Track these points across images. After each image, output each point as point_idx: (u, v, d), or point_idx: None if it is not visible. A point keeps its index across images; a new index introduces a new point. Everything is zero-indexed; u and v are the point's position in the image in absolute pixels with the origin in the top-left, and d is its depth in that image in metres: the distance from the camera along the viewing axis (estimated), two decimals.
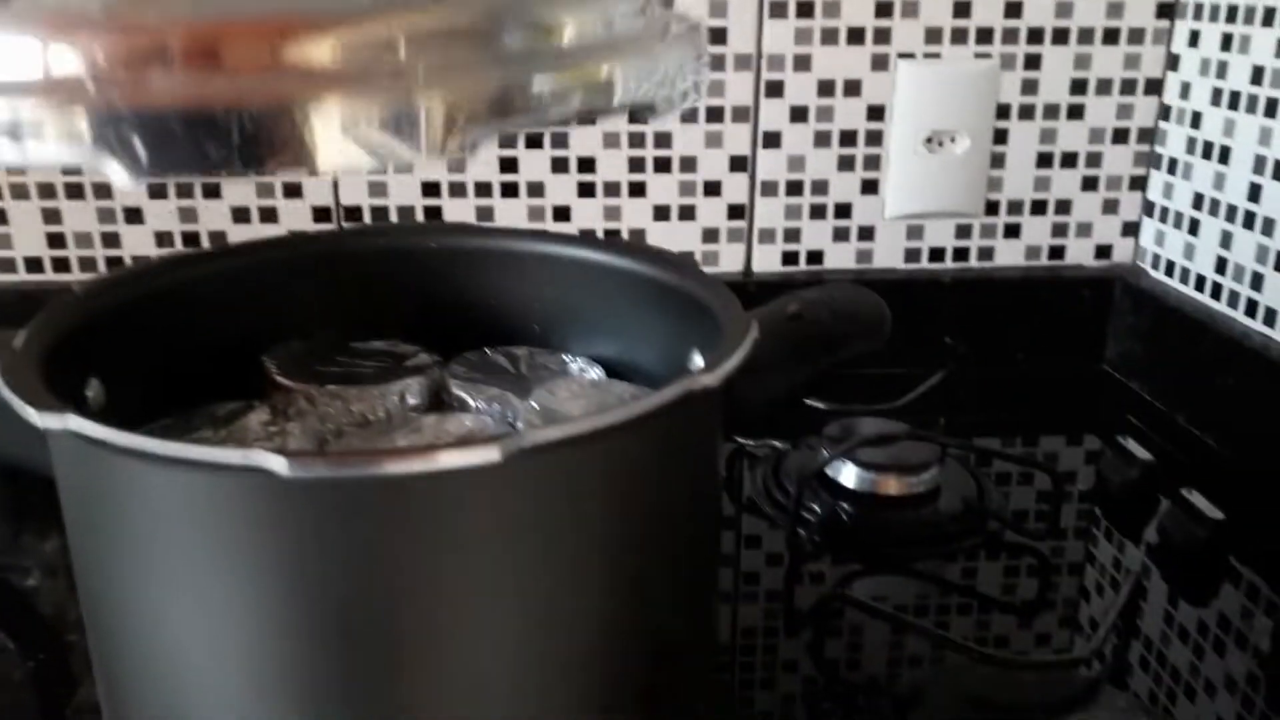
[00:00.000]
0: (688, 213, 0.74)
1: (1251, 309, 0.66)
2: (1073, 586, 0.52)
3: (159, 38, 0.24)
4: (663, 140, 0.72)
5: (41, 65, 0.24)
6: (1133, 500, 0.60)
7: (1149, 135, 0.75)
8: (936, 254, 0.77)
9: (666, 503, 0.30)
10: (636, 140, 0.72)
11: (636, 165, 0.73)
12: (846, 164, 0.74)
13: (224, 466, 0.24)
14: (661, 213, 0.74)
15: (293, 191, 0.71)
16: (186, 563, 0.26)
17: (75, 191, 0.69)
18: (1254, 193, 0.66)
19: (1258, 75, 0.65)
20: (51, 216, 0.70)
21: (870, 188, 0.75)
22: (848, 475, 0.58)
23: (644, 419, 0.27)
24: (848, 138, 0.73)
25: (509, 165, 0.72)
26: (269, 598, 0.26)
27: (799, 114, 0.73)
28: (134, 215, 0.70)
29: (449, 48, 0.26)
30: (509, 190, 0.72)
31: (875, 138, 0.73)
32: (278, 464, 0.24)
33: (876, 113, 0.73)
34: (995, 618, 0.50)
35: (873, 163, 0.74)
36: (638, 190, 0.73)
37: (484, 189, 0.72)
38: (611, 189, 0.73)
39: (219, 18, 0.24)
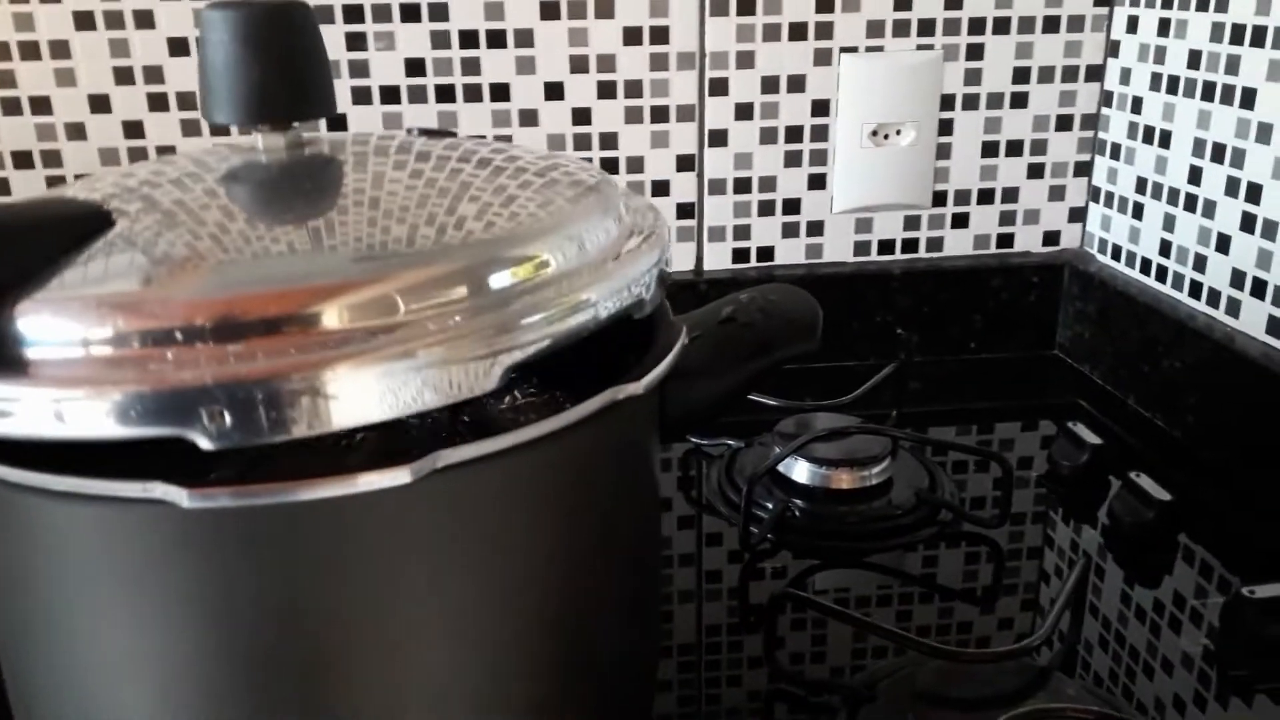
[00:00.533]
0: None
1: (1196, 290, 0.67)
2: (1025, 573, 0.52)
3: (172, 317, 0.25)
4: (609, 141, 0.72)
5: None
6: (1084, 484, 0.60)
7: (1092, 121, 0.76)
8: (886, 246, 0.77)
9: (598, 512, 0.30)
10: (582, 142, 0.72)
11: None
12: (793, 160, 0.74)
13: (123, 500, 0.24)
14: None
15: None
16: (97, 597, 0.26)
17: (12, 107, 0.67)
18: (1194, 176, 0.66)
19: (1195, 59, 0.65)
20: None
21: (818, 183, 0.75)
22: (800, 471, 0.58)
23: (566, 430, 0.26)
24: (793, 133, 0.73)
25: None
26: (182, 629, 0.25)
27: (744, 111, 0.72)
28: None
29: (441, 297, 0.27)
30: None
31: (821, 132, 0.73)
32: (177, 495, 0.23)
33: (821, 107, 0.73)
34: (948, 608, 0.50)
35: (819, 157, 0.74)
36: None
37: None
38: None
39: (222, 294, 0.25)
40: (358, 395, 0.24)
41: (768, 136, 0.73)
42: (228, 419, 0.23)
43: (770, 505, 0.56)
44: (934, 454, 0.63)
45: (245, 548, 0.25)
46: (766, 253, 0.76)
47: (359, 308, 0.25)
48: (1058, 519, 0.58)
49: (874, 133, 0.74)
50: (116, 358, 0.24)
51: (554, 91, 0.70)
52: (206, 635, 0.26)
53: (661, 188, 0.74)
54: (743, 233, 0.75)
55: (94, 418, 0.24)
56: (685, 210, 0.74)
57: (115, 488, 0.24)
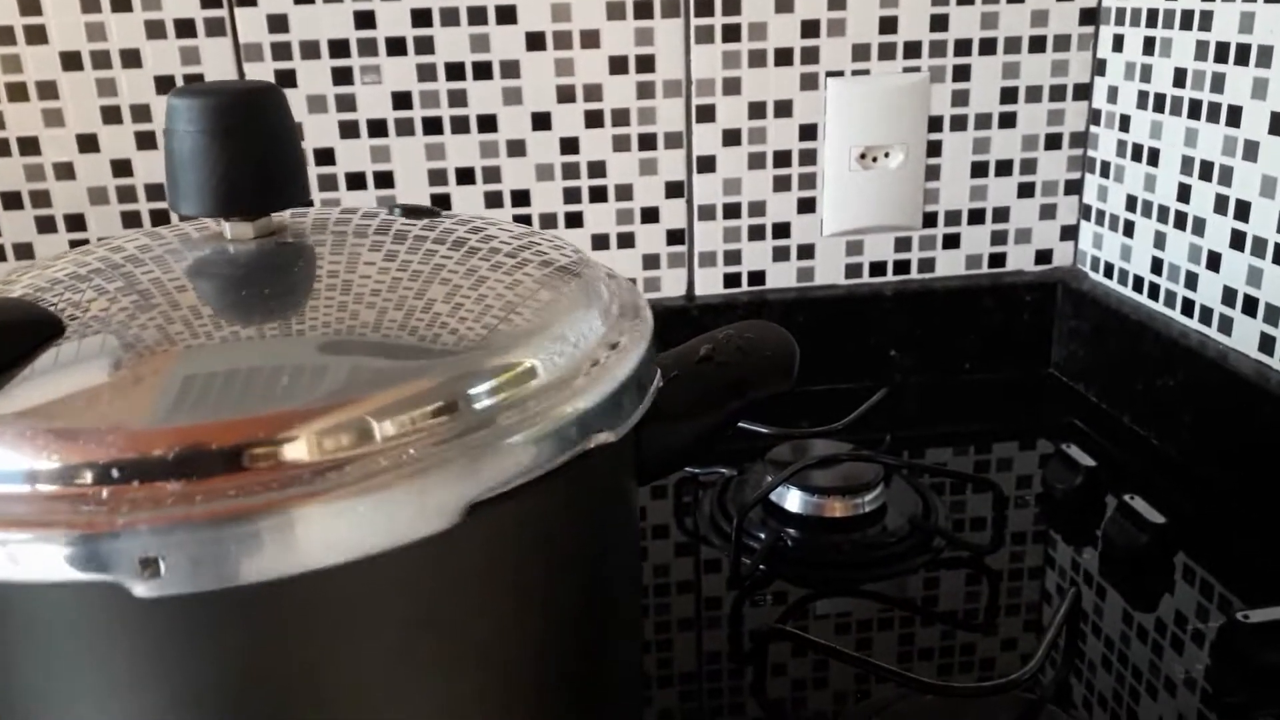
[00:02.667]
0: (627, 240, 0.74)
1: (1188, 308, 0.66)
2: (1022, 598, 0.52)
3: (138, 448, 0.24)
4: (597, 170, 0.72)
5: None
6: (1078, 506, 0.60)
7: (1081, 139, 0.76)
8: (877, 268, 0.77)
9: (573, 562, 0.29)
10: (571, 171, 0.72)
11: (572, 196, 0.72)
12: (782, 184, 0.74)
13: (73, 585, 0.23)
14: (600, 241, 0.74)
15: None
16: (57, 680, 0.25)
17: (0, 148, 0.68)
18: (1184, 193, 0.66)
19: (1180, 78, 0.65)
20: None
21: (807, 206, 0.75)
22: (792, 500, 0.58)
23: (536, 482, 0.26)
24: (782, 158, 0.73)
25: (442, 201, 0.71)
26: (144, 714, 0.25)
27: (731, 137, 0.72)
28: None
29: (420, 419, 0.26)
30: None
31: (809, 156, 0.73)
32: (130, 582, 0.22)
33: (809, 132, 0.73)
34: (941, 639, 0.49)
35: (808, 181, 0.74)
36: (575, 220, 0.73)
37: None
38: (548, 221, 0.73)
39: (186, 423, 0.24)
40: (307, 539, 0.24)
41: (756, 161, 0.73)
42: (162, 568, 0.22)
43: (763, 535, 0.56)
44: (923, 479, 0.63)
45: (207, 630, 0.24)
46: (758, 277, 0.76)
47: (318, 438, 0.24)
48: (1053, 542, 0.57)
49: (862, 155, 0.74)
50: (34, 495, 0.23)
51: (541, 121, 0.71)
52: (171, 712, 0.25)
53: (651, 214, 0.74)
54: (733, 258, 0.75)
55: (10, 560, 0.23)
56: (675, 236, 0.74)
57: (66, 573, 0.23)
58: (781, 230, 0.75)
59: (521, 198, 0.72)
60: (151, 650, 0.24)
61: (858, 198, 0.74)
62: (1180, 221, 0.67)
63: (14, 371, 0.26)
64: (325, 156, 0.69)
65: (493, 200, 0.72)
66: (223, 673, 0.25)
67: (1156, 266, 0.69)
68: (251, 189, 0.31)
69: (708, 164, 0.73)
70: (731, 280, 0.76)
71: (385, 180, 0.70)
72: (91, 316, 0.28)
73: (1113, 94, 0.73)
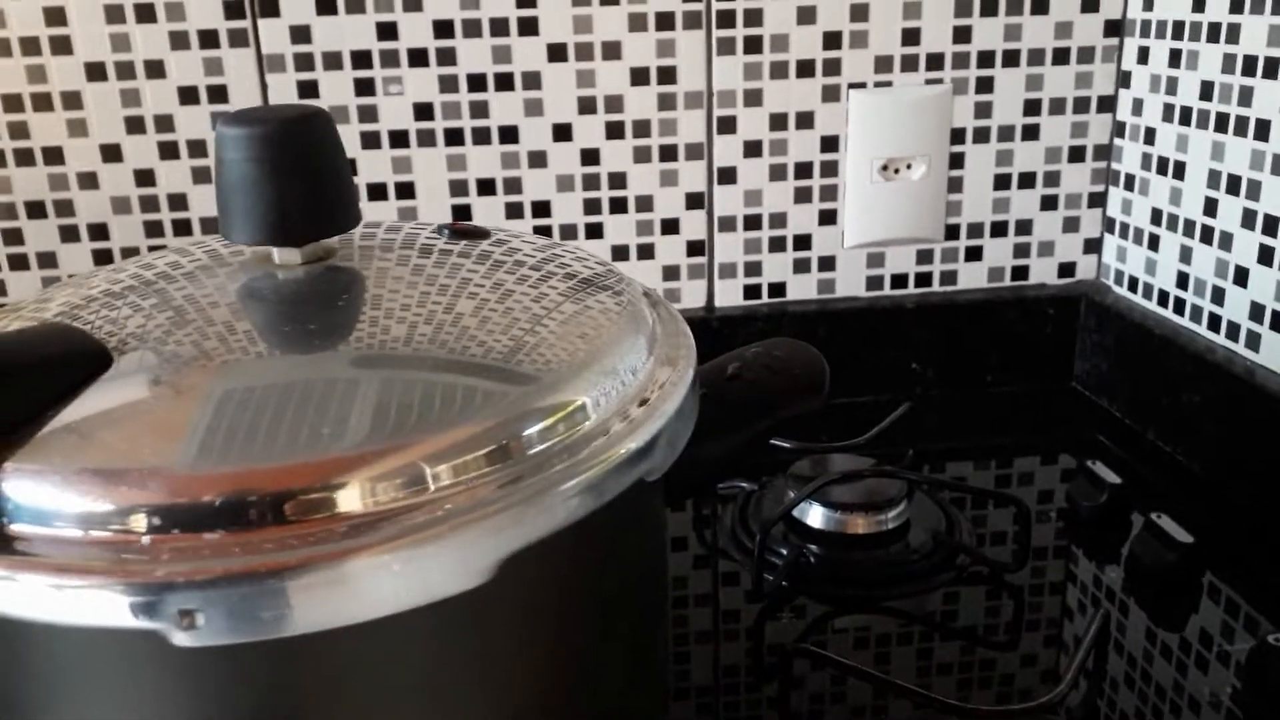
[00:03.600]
0: (647, 251, 0.74)
1: (1214, 323, 0.66)
2: (1046, 617, 0.51)
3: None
4: (617, 181, 0.72)
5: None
6: (1104, 524, 0.59)
7: (1105, 152, 0.75)
8: (899, 280, 0.76)
9: (608, 596, 0.29)
10: (591, 182, 0.72)
11: (592, 207, 0.72)
12: (803, 196, 0.74)
13: (112, 631, 0.23)
14: (620, 253, 0.74)
15: None
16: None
17: (20, 263, 0.68)
18: (1210, 207, 0.65)
19: (1207, 91, 0.65)
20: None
21: (828, 218, 0.74)
22: (814, 516, 0.57)
23: (578, 526, 0.25)
24: (803, 170, 0.73)
25: (463, 213, 0.71)
26: None
27: (753, 149, 0.72)
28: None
29: (472, 464, 0.25)
30: None
31: (831, 168, 0.73)
32: (170, 630, 0.22)
33: (830, 143, 0.73)
34: (963, 657, 0.49)
35: (829, 193, 0.74)
36: (595, 231, 0.73)
37: None
38: (569, 232, 0.73)
39: (231, 469, 0.24)
40: (347, 594, 0.23)
41: (777, 173, 0.73)
42: (199, 620, 0.22)
43: (785, 551, 0.55)
44: (947, 495, 0.62)
45: (245, 682, 0.24)
46: (778, 289, 0.76)
47: (364, 488, 0.24)
48: (1078, 560, 0.57)
49: (884, 167, 0.73)
50: (73, 540, 0.23)
51: (562, 133, 0.70)
52: None
53: (671, 226, 0.73)
54: (754, 269, 0.75)
55: (38, 602, 0.23)
56: (695, 248, 0.74)
57: (104, 618, 0.23)
58: (802, 242, 0.75)
59: (542, 209, 0.72)
60: (184, 697, 0.24)
61: (879, 210, 0.74)
62: (1207, 236, 0.66)
63: (63, 404, 0.25)
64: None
65: (513, 211, 0.72)
66: None
67: (1182, 281, 0.69)
68: (301, 216, 0.31)
69: (729, 175, 0.73)
70: (752, 292, 0.76)
71: (406, 191, 0.70)
72: (136, 346, 0.28)
73: (1138, 106, 0.72)
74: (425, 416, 0.26)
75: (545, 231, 0.72)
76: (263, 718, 0.25)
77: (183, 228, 0.69)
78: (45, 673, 0.26)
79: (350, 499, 0.24)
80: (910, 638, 0.50)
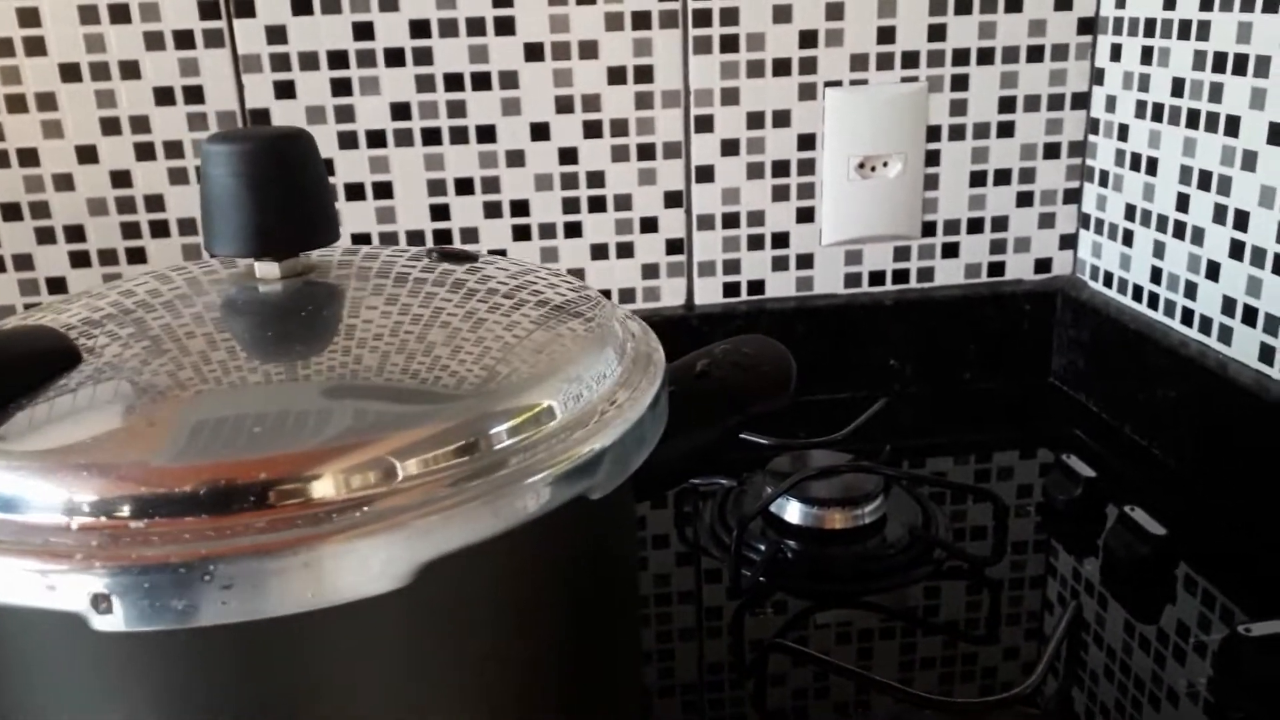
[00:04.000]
0: (626, 250, 0.74)
1: (1188, 317, 0.66)
2: (1023, 610, 0.52)
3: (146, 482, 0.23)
4: (595, 180, 0.72)
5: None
6: (1079, 517, 0.60)
7: (1080, 149, 0.76)
8: (876, 277, 0.77)
9: (574, 587, 0.29)
10: (569, 181, 0.72)
11: (571, 206, 0.72)
12: (781, 194, 0.74)
13: (36, 612, 0.23)
14: (600, 251, 0.74)
15: None
16: (26, 707, 0.25)
17: None
18: (1183, 203, 0.66)
19: (1179, 87, 0.65)
20: None
21: (806, 216, 0.75)
22: (792, 512, 0.58)
23: (524, 529, 0.26)
24: (780, 168, 0.73)
25: (441, 212, 0.71)
26: None
27: (730, 147, 0.72)
28: (58, 285, 0.69)
29: (440, 459, 0.25)
30: (442, 238, 0.71)
31: (808, 166, 0.73)
32: (86, 612, 0.22)
33: (807, 141, 0.73)
34: (942, 651, 0.49)
35: (807, 191, 0.74)
36: (574, 230, 0.73)
37: (416, 238, 0.71)
38: (547, 231, 0.73)
39: (207, 460, 0.24)
40: (258, 589, 0.23)
41: (755, 171, 0.73)
42: (115, 604, 0.22)
43: (763, 546, 0.56)
44: (923, 490, 0.63)
45: (159, 671, 0.24)
46: (757, 286, 0.76)
47: (353, 475, 0.24)
48: (1054, 553, 0.57)
49: (861, 165, 0.74)
50: (19, 526, 0.23)
51: (540, 132, 0.71)
52: None
53: (650, 224, 0.74)
54: (733, 267, 0.75)
55: None
56: (674, 246, 0.74)
57: (21, 595, 0.23)
58: (780, 240, 0.75)
59: (520, 208, 0.72)
60: (103, 683, 0.24)
61: (856, 207, 0.74)
62: (1179, 231, 0.67)
63: (25, 398, 0.26)
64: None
65: (492, 210, 0.72)
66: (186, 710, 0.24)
67: (1156, 276, 0.69)
68: (282, 232, 0.32)
69: (706, 174, 0.73)
70: (731, 290, 0.76)
71: (384, 191, 0.70)
72: (110, 346, 0.28)
73: (1111, 103, 0.73)
74: (383, 415, 0.26)
75: (524, 232, 0.73)
76: (177, 709, 0.25)
77: (160, 229, 0.69)
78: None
79: (276, 495, 0.24)
80: (890, 632, 0.51)
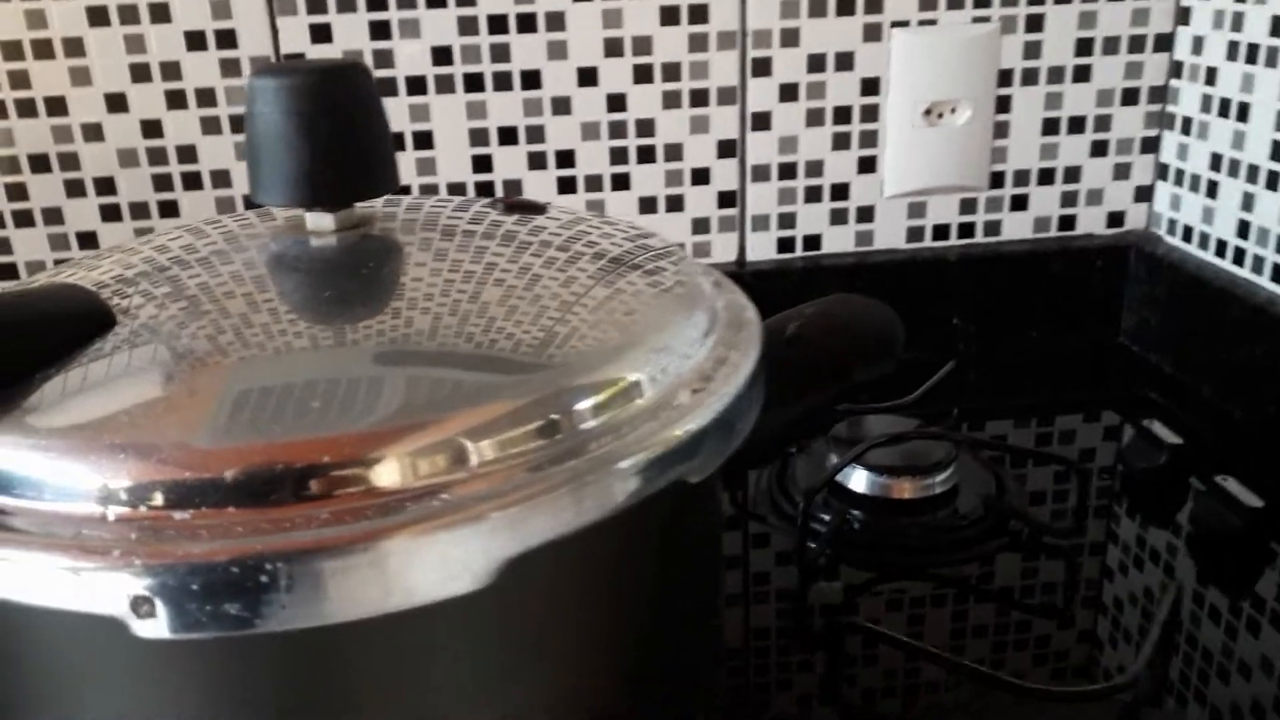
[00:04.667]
0: (675, 203, 0.70)
1: (1277, 274, 0.62)
2: (1105, 592, 0.49)
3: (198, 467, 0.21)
4: (645, 128, 0.68)
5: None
6: (1162, 488, 0.56)
7: (1160, 94, 0.71)
8: (940, 231, 0.73)
9: (662, 579, 0.26)
10: (617, 130, 0.68)
11: (619, 156, 0.69)
12: (841, 142, 0.70)
13: (74, 616, 0.20)
14: (648, 204, 0.70)
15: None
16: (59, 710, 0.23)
17: (25, 219, 0.65)
18: (1277, 151, 0.62)
19: (1277, 26, 0.61)
20: (2, 246, 0.66)
21: (868, 166, 0.71)
22: (857, 480, 0.55)
23: (614, 519, 0.23)
24: (842, 114, 0.69)
25: (483, 164, 0.68)
26: None
27: (789, 92, 0.68)
28: (88, 240, 0.67)
29: (517, 442, 0.22)
30: (484, 190, 0.68)
31: (871, 113, 0.69)
32: (128, 616, 0.19)
33: (871, 86, 0.69)
34: (1022, 633, 0.46)
35: (869, 139, 0.70)
36: (621, 183, 0.70)
37: (457, 191, 0.68)
38: (594, 183, 0.69)
39: (260, 441, 0.21)
40: (320, 592, 0.20)
41: (814, 118, 0.69)
42: (158, 608, 0.19)
43: (827, 517, 0.53)
44: (996, 458, 0.59)
45: (216, 681, 0.22)
46: (813, 241, 0.72)
47: (422, 460, 0.21)
48: (1136, 525, 0.54)
49: (927, 111, 0.69)
50: (43, 514, 0.21)
51: (587, 77, 0.67)
52: None
53: (701, 175, 0.70)
54: (788, 221, 0.72)
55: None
56: (726, 199, 0.71)
57: (64, 598, 0.20)
58: (840, 191, 0.71)
59: (566, 158, 0.69)
60: (147, 696, 0.22)
61: (921, 157, 0.70)
62: (1272, 182, 0.62)
63: (58, 364, 0.23)
64: None
65: (536, 161, 0.68)
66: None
67: (1243, 230, 0.65)
68: (338, 180, 0.28)
69: (763, 121, 0.69)
70: (785, 245, 0.72)
71: (424, 141, 0.67)
72: (148, 308, 0.25)
73: (1198, 44, 0.68)
74: (458, 390, 0.23)
75: (569, 184, 0.69)
76: None
77: (192, 181, 0.66)
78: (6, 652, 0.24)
79: (341, 481, 0.21)
80: (964, 612, 0.48)
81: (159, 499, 0.20)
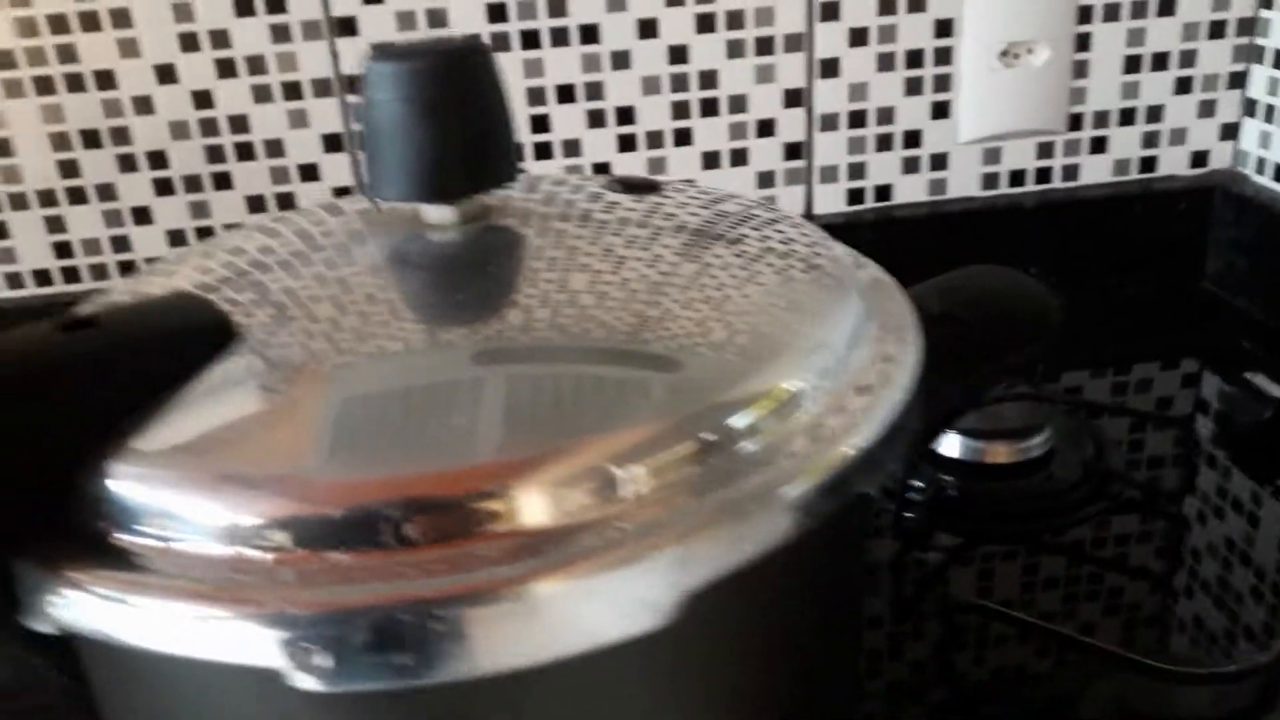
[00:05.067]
0: (740, 157, 0.68)
1: None
2: (1222, 562, 0.47)
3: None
4: (709, 80, 0.66)
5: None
6: (1267, 443, 0.54)
7: (1249, 26, 0.68)
8: (1017, 177, 0.70)
9: (817, 604, 0.25)
10: (679, 83, 0.65)
11: (680, 110, 0.66)
12: (914, 87, 0.67)
13: (226, 667, 0.19)
14: (711, 160, 0.68)
15: (309, 175, 0.65)
16: None
17: (78, 196, 0.64)
18: None
19: None
20: (55, 224, 0.64)
21: (941, 111, 0.68)
22: (950, 445, 0.53)
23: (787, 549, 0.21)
24: (914, 58, 0.66)
25: (540, 124, 0.65)
26: None
27: (858, 37, 0.65)
28: (142, 215, 0.65)
29: (671, 469, 0.20)
30: (542, 151, 0.66)
31: (944, 55, 0.66)
32: (290, 670, 0.18)
33: (945, 28, 0.66)
34: (1134, 604, 0.45)
35: (943, 83, 0.67)
36: (683, 138, 0.67)
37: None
38: (655, 139, 0.67)
39: (319, 484, 0.19)
40: (513, 631, 0.19)
41: (885, 63, 0.66)
42: (320, 659, 0.18)
43: (920, 483, 0.51)
44: (1093, 418, 0.57)
45: None
46: (884, 191, 0.70)
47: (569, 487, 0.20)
48: (1246, 486, 0.52)
49: (1003, 53, 0.66)
50: (186, 556, 0.19)
51: (647, 29, 0.64)
52: None
53: (766, 127, 0.67)
54: (857, 171, 0.69)
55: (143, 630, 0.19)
56: (793, 150, 0.68)
57: (198, 646, 0.19)
58: (912, 139, 0.68)
59: (625, 115, 0.66)
60: None
61: (997, 100, 0.67)
62: None
63: (181, 386, 0.21)
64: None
65: (595, 119, 0.66)
66: None
67: None
68: (461, 171, 0.26)
69: (831, 68, 0.66)
70: (855, 196, 0.70)
71: None
72: (266, 321, 0.23)
73: None
74: (606, 408, 0.21)
75: (629, 141, 0.67)
76: None
77: (245, 151, 0.64)
78: (152, 700, 0.22)
79: (521, 513, 0.20)
80: (1075, 579, 0.46)
81: (313, 540, 0.19)
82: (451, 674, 0.18)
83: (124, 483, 0.21)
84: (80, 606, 0.20)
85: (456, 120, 0.26)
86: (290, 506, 0.19)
